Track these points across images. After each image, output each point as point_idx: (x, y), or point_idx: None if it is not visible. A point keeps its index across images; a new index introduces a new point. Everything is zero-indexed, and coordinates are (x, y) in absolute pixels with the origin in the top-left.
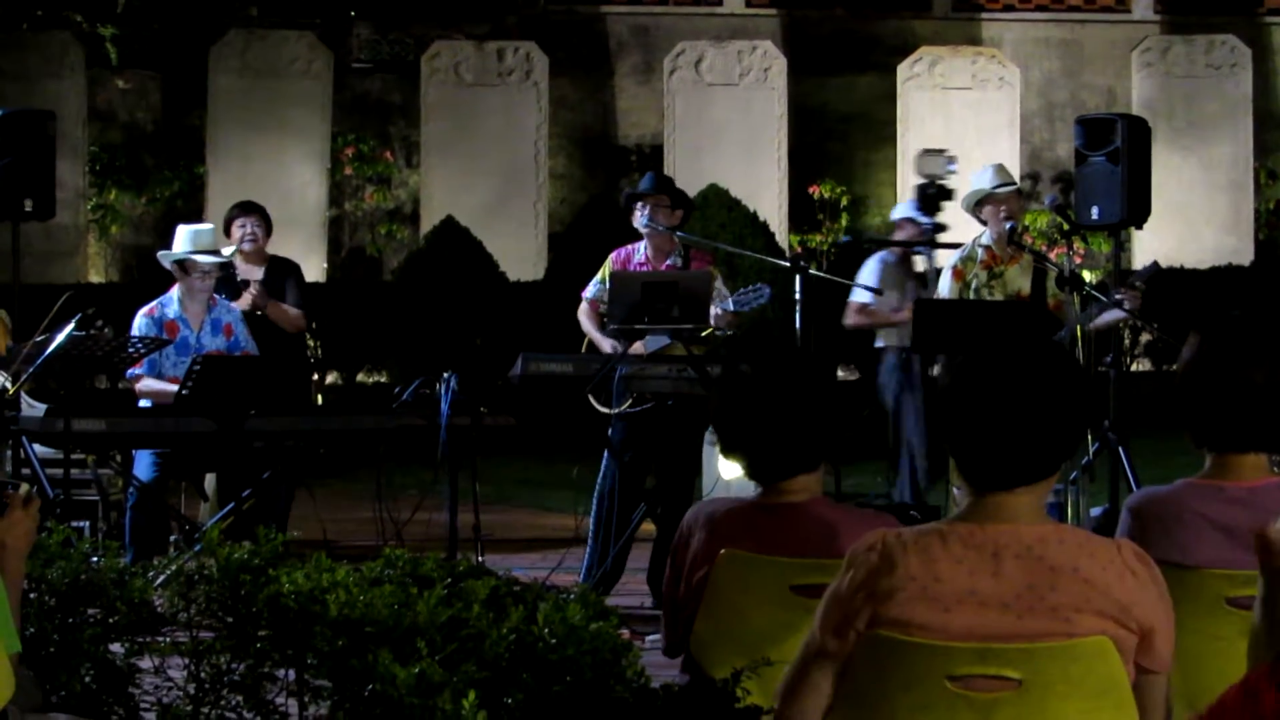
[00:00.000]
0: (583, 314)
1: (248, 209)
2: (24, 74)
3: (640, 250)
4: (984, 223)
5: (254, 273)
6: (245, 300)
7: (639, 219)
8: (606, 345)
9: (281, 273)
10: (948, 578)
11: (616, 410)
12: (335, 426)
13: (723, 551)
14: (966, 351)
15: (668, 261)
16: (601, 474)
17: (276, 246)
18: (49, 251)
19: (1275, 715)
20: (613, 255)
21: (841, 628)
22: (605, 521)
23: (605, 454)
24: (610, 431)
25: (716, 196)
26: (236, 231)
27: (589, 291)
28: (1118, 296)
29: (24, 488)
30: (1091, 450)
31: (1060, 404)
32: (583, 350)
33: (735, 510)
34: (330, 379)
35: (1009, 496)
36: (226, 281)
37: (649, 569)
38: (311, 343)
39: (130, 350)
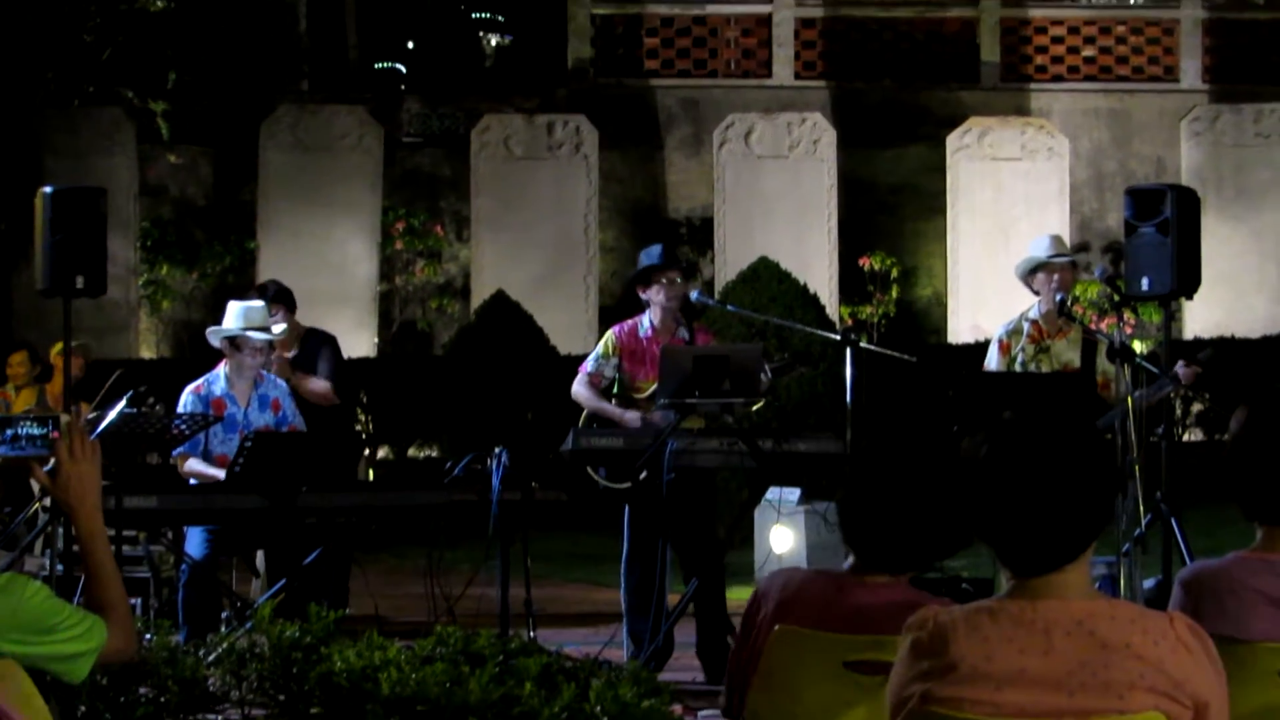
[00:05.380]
0: (581, 385)
1: (254, 295)
2: (76, 150)
3: (645, 324)
4: (1036, 292)
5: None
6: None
7: (664, 294)
8: (632, 418)
9: (316, 345)
10: (999, 656)
11: (617, 484)
12: (387, 502)
13: (777, 628)
14: (986, 438)
15: (677, 333)
16: (625, 550)
17: (328, 320)
18: (100, 327)
19: None
20: (614, 330)
21: (898, 710)
22: (642, 596)
23: (626, 530)
24: (626, 505)
25: (766, 269)
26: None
27: (589, 365)
28: (1176, 371)
29: (64, 420)
30: (1144, 522)
31: (1084, 478)
32: (580, 424)
33: (809, 581)
34: (381, 454)
35: (1054, 575)
36: None
37: (697, 643)
38: (363, 417)
39: (176, 429)
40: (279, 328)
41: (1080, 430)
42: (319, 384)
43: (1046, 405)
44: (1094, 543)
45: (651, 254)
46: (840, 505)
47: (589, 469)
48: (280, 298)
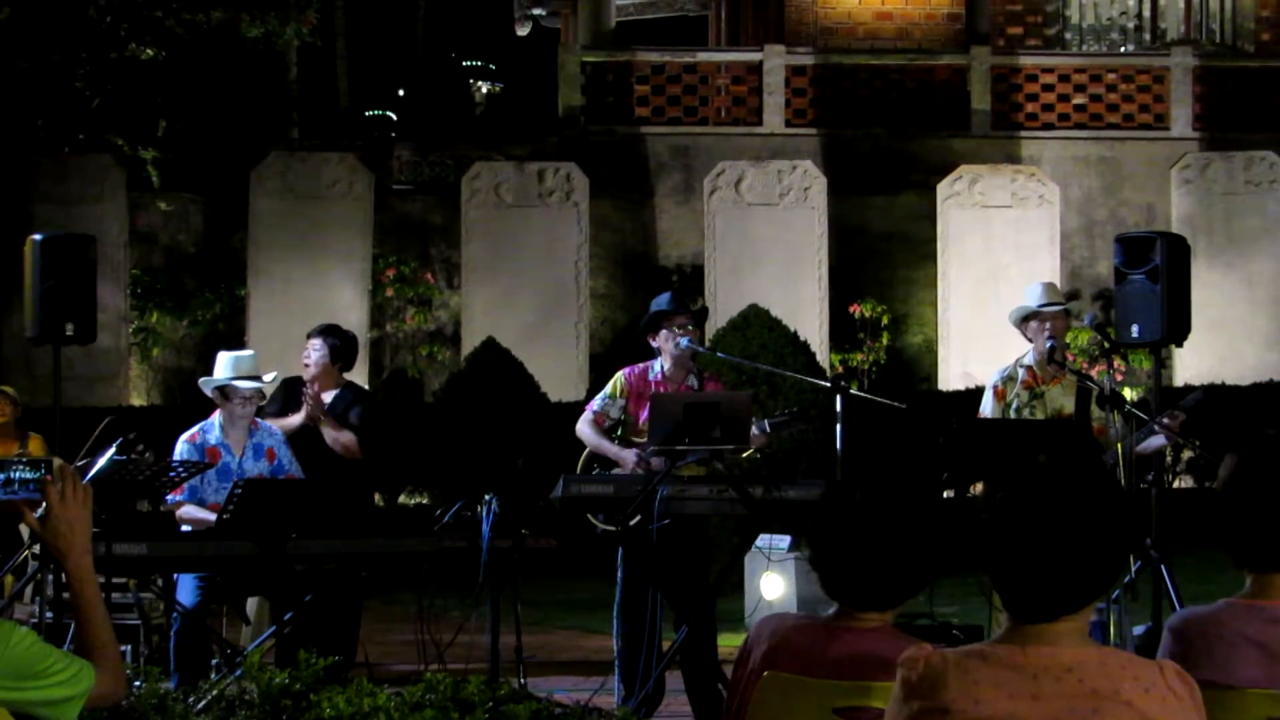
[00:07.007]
0: (585, 424)
1: (316, 331)
2: (66, 197)
3: (656, 368)
4: (1030, 339)
5: (322, 396)
6: (300, 415)
7: (673, 339)
8: (629, 456)
9: (350, 399)
10: (988, 700)
11: (614, 528)
12: (377, 548)
13: (765, 674)
14: (1006, 481)
15: (686, 381)
16: (619, 594)
17: None
18: (90, 375)
19: None
20: (624, 372)
21: None
22: (634, 641)
23: (620, 574)
24: (620, 550)
25: (757, 316)
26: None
27: (595, 404)
28: (1162, 423)
29: (56, 464)
30: (1134, 569)
31: (1104, 534)
32: (580, 463)
33: (798, 628)
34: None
35: (1052, 623)
36: (292, 394)
37: (687, 688)
38: None
39: (171, 475)
40: (270, 375)
41: (1107, 485)
42: (347, 435)
43: (1072, 454)
44: (1101, 596)
45: (661, 301)
46: (811, 550)
47: (588, 514)
48: (338, 354)
